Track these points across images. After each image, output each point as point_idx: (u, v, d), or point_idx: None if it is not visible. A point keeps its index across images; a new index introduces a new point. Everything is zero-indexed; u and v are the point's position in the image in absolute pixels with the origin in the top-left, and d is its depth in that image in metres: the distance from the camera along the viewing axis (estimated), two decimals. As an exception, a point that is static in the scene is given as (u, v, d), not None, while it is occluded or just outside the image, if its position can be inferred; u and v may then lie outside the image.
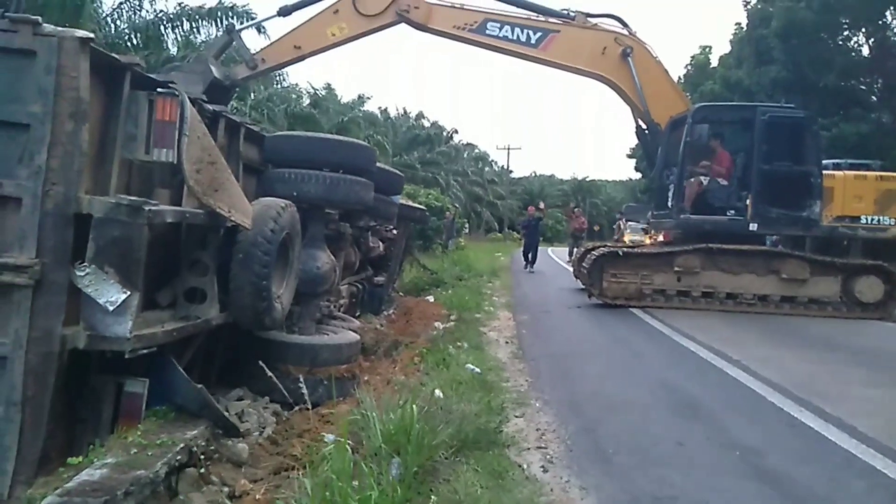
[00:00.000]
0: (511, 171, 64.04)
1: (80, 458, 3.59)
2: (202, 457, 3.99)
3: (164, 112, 4.11)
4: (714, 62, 35.72)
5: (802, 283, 10.31)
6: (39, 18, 3.66)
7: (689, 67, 37.73)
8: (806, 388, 5.67)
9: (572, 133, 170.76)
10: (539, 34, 11.37)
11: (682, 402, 5.39)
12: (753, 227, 10.46)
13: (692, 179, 10.83)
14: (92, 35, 3.80)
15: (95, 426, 4.00)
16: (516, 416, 4.83)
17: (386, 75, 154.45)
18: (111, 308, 3.66)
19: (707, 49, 37.73)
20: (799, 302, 10.37)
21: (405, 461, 3.39)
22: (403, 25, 11.33)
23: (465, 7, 11.51)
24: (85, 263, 3.63)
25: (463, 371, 5.65)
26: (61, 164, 3.60)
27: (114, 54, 4.11)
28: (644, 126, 11.64)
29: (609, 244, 13.78)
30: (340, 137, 7.56)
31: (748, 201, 10.53)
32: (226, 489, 3.96)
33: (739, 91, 27.03)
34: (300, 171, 6.05)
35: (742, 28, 29.47)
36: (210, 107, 5.18)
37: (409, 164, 33.66)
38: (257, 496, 3.81)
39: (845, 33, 25.24)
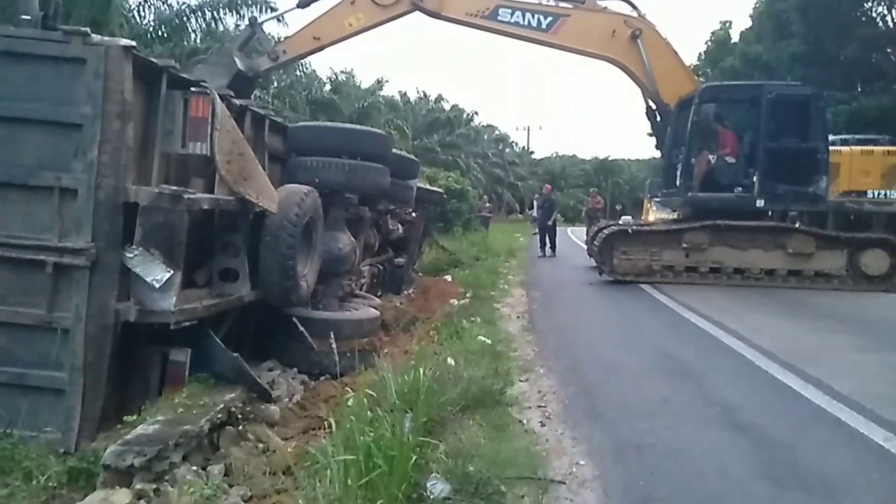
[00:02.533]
0: (532, 152, 64.08)
1: (135, 417, 4.13)
2: (239, 417, 4.51)
3: (197, 109, 4.58)
4: (735, 38, 35.39)
5: (808, 257, 10.54)
6: (88, 30, 4.14)
7: (710, 43, 37.41)
8: (794, 353, 6.02)
9: (594, 113, 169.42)
10: (549, 19, 11.60)
11: (675, 367, 5.80)
12: (760, 203, 10.69)
13: (700, 158, 11.08)
14: (134, 43, 4.26)
15: (145, 390, 4.52)
16: (521, 381, 5.28)
17: (405, 59, 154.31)
18: (157, 285, 4.18)
19: (727, 24, 37.39)
20: (805, 276, 10.61)
21: (417, 415, 3.86)
22: (418, 13, 11.68)
23: (476, -7, 11.77)
24: (133, 246, 4.14)
25: (474, 342, 6.10)
26: (111, 159, 4.09)
27: (151, 58, 4.59)
28: (654, 106, 11.88)
29: (621, 223, 14.09)
30: (357, 126, 8.01)
31: (755, 178, 10.76)
32: (261, 445, 4.47)
33: (759, 66, 26.83)
34: (321, 159, 6.54)
35: (762, 2, 29.18)
36: (237, 101, 5.65)
37: (429, 148, 33.78)
38: (289, 449, 4.33)
39: (867, 4, 24.89)
